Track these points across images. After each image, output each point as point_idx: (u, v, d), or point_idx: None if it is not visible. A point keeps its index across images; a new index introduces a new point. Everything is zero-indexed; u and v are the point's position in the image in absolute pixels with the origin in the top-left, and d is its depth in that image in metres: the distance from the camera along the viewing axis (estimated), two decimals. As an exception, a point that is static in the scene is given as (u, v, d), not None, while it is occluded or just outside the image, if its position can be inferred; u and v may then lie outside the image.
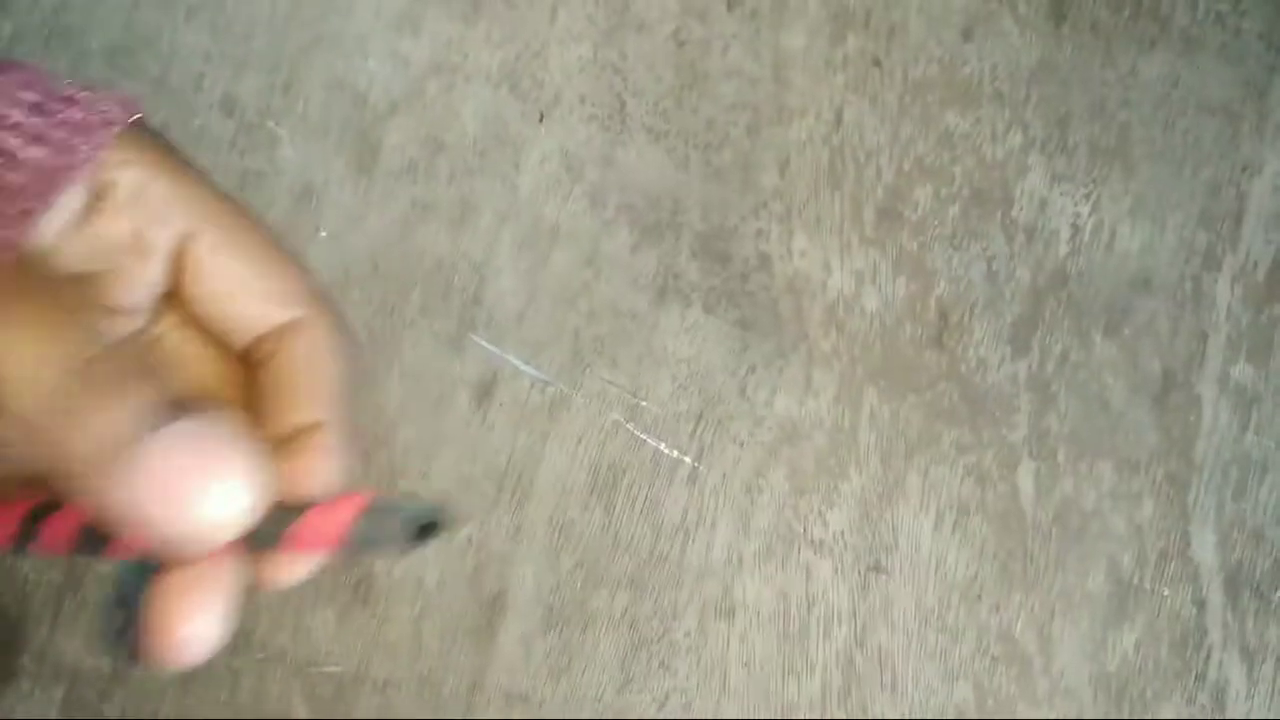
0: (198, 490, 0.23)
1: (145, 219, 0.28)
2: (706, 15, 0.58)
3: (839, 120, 0.58)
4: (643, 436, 0.54)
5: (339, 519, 0.26)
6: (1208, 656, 0.53)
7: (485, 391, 0.54)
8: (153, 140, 0.29)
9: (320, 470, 0.28)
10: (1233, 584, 0.54)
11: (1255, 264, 0.57)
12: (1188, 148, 0.58)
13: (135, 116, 0.29)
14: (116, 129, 0.28)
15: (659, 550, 0.53)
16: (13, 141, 0.27)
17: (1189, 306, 0.56)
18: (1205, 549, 0.54)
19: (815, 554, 0.53)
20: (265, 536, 0.25)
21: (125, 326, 0.31)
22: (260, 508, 0.24)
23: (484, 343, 0.54)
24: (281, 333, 0.29)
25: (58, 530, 0.26)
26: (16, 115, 0.27)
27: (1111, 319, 0.56)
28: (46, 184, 0.27)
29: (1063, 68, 0.59)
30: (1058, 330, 0.56)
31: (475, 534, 0.53)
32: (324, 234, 0.56)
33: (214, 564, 0.25)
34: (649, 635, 0.52)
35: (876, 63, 0.58)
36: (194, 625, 0.24)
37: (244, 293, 0.29)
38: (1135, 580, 0.53)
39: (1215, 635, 0.53)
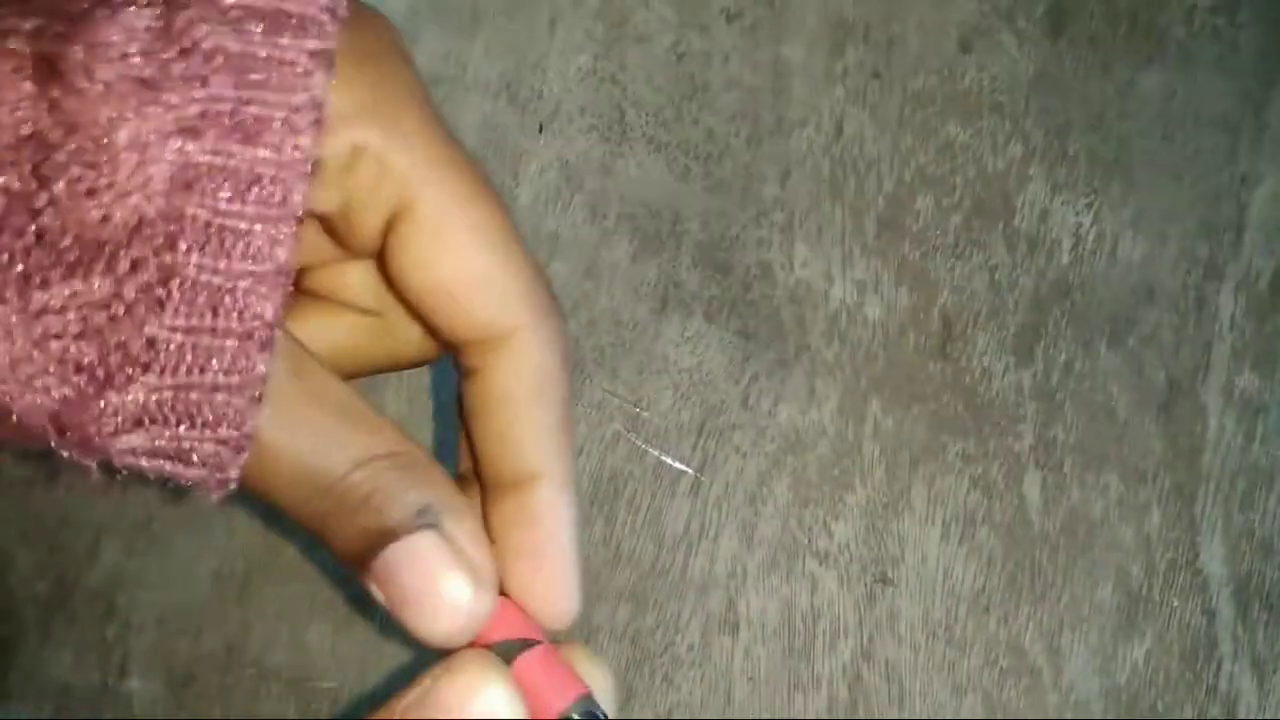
0: (431, 603, 0.23)
1: (357, 195, 0.24)
2: (706, 27, 0.58)
3: (839, 131, 0.58)
4: (644, 447, 0.53)
5: (556, 700, 0.25)
6: (1218, 668, 0.52)
7: (484, 402, 0.53)
8: (371, 49, 0.24)
9: (552, 548, 0.26)
10: (1242, 595, 0.53)
11: (1258, 274, 0.57)
12: (1187, 159, 0.58)
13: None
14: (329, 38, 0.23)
15: (661, 562, 0.52)
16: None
17: (1192, 317, 0.56)
18: (1214, 560, 0.53)
19: (820, 565, 0.52)
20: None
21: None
22: (487, 615, 0.24)
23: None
24: (500, 344, 0.25)
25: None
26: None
27: (1115, 329, 0.56)
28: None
29: (1062, 80, 0.59)
30: (1061, 340, 0.55)
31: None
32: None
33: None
34: (651, 649, 0.51)
35: (876, 75, 0.58)
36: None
37: (461, 288, 0.25)
38: (1144, 591, 0.53)
39: (1226, 646, 0.52)
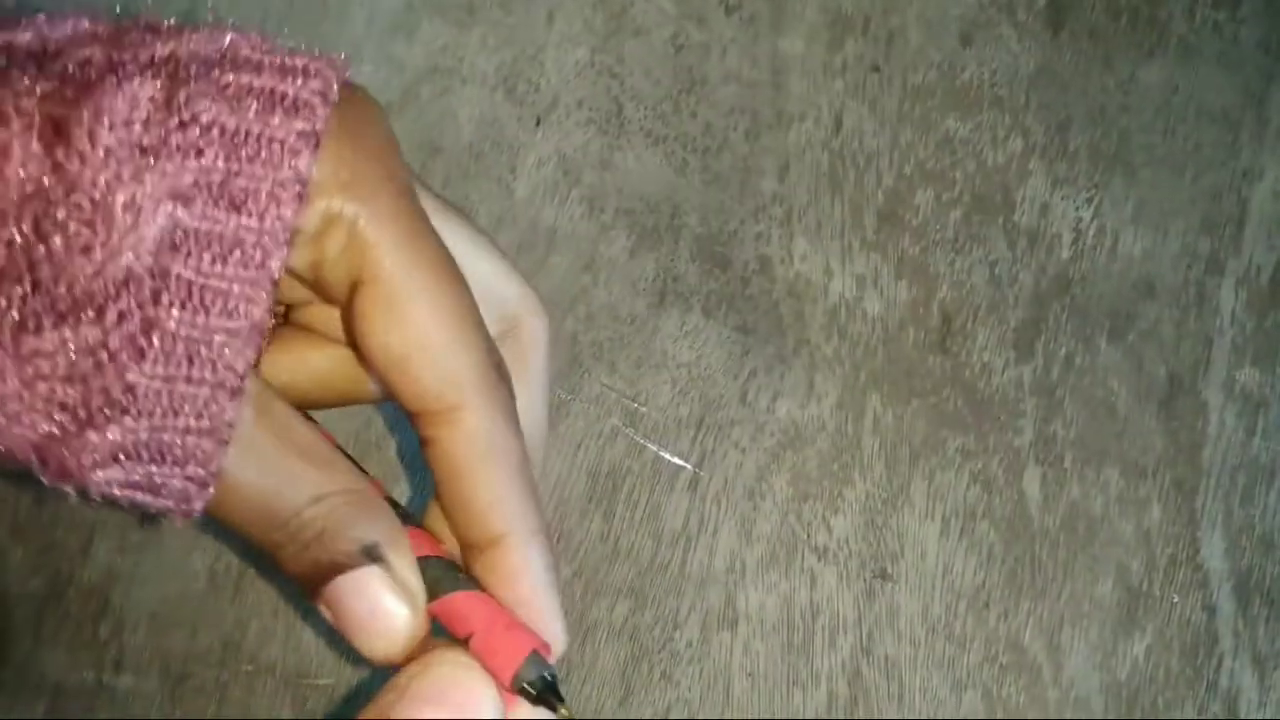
0: (373, 628, 0.26)
1: (326, 258, 0.27)
2: (704, 20, 0.58)
3: (838, 125, 0.57)
4: (642, 442, 0.53)
5: (509, 659, 0.27)
6: (1219, 664, 0.52)
7: (482, 397, 0.53)
8: (350, 134, 0.26)
9: (528, 593, 0.28)
10: (1243, 590, 0.53)
11: (1258, 269, 0.56)
12: (1188, 154, 0.58)
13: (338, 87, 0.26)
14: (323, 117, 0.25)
15: (660, 558, 0.52)
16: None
17: (1193, 312, 0.56)
18: (1214, 555, 0.53)
19: (819, 561, 0.52)
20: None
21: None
22: (421, 635, 0.27)
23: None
24: (448, 417, 0.28)
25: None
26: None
27: (1115, 324, 0.55)
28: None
29: (1062, 74, 0.59)
30: (1062, 335, 0.55)
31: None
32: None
33: None
34: (650, 645, 0.51)
35: (876, 68, 0.58)
36: None
37: (411, 359, 0.27)
38: (1144, 587, 0.52)
39: (1226, 642, 0.52)
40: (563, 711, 0.28)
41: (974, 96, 0.58)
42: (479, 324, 0.28)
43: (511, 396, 0.29)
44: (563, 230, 0.55)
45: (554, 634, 0.29)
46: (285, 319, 0.32)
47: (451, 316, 0.27)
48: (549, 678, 0.27)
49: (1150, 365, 0.55)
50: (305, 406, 0.30)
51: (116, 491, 0.24)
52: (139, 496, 0.24)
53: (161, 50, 0.24)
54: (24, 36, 0.24)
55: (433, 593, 0.27)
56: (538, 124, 0.56)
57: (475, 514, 0.28)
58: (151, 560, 0.50)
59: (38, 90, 0.23)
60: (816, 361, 0.54)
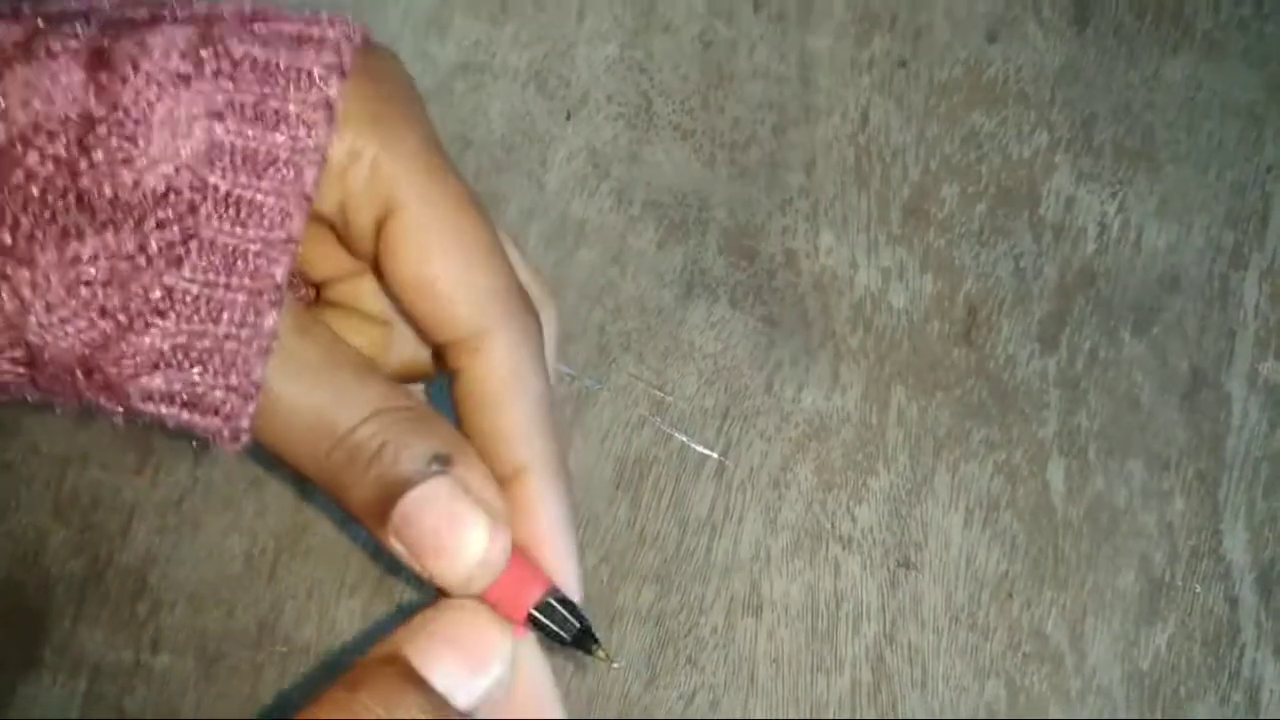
0: (451, 545, 0.25)
1: (352, 194, 0.27)
2: (733, 16, 0.59)
3: (865, 120, 0.58)
4: (669, 431, 0.53)
5: (524, 597, 0.27)
6: (1241, 654, 0.52)
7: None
8: (371, 80, 0.27)
9: (545, 529, 0.28)
10: (1265, 582, 0.53)
11: (1282, 264, 0.57)
12: (1212, 149, 0.58)
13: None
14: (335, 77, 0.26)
15: (686, 545, 0.52)
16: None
17: (1217, 305, 0.56)
18: (1237, 546, 0.53)
19: (844, 550, 0.52)
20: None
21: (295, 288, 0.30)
22: (506, 555, 0.26)
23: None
24: (475, 346, 0.28)
25: None
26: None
27: (1139, 317, 0.56)
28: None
29: (1087, 70, 0.59)
30: (1086, 327, 0.56)
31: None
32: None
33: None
34: (676, 631, 0.51)
35: (902, 64, 0.59)
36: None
37: (438, 289, 0.27)
38: (1167, 578, 0.53)
39: (1249, 633, 0.52)
40: (599, 654, 0.27)
41: (999, 92, 0.58)
42: (503, 254, 0.28)
43: (538, 328, 0.29)
44: (592, 223, 0.56)
45: (568, 572, 0.28)
46: (317, 298, 0.33)
47: (476, 244, 0.28)
48: (567, 616, 0.27)
49: (1174, 358, 0.55)
50: None
51: (161, 408, 0.24)
52: (183, 414, 0.24)
53: (199, 9, 0.26)
54: (73, 4, 0.25)
55: None
56: (568, 118, 0.57)
57: (498, 443, 0.28)
58: (189, 542, 0.51)
59: (84, 33, 0.24)
60: (842, 353, 0.55)
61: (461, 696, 0.25)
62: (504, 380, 0.28)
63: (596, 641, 0.27)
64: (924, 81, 0.58)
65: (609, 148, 0.57)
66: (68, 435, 0.52)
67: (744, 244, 0.56)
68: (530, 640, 0.28)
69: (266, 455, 0.26)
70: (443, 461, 0.25)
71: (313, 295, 0.33)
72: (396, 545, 0.26)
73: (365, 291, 0.31)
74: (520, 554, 0.27)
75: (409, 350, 0.31)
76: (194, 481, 0.51)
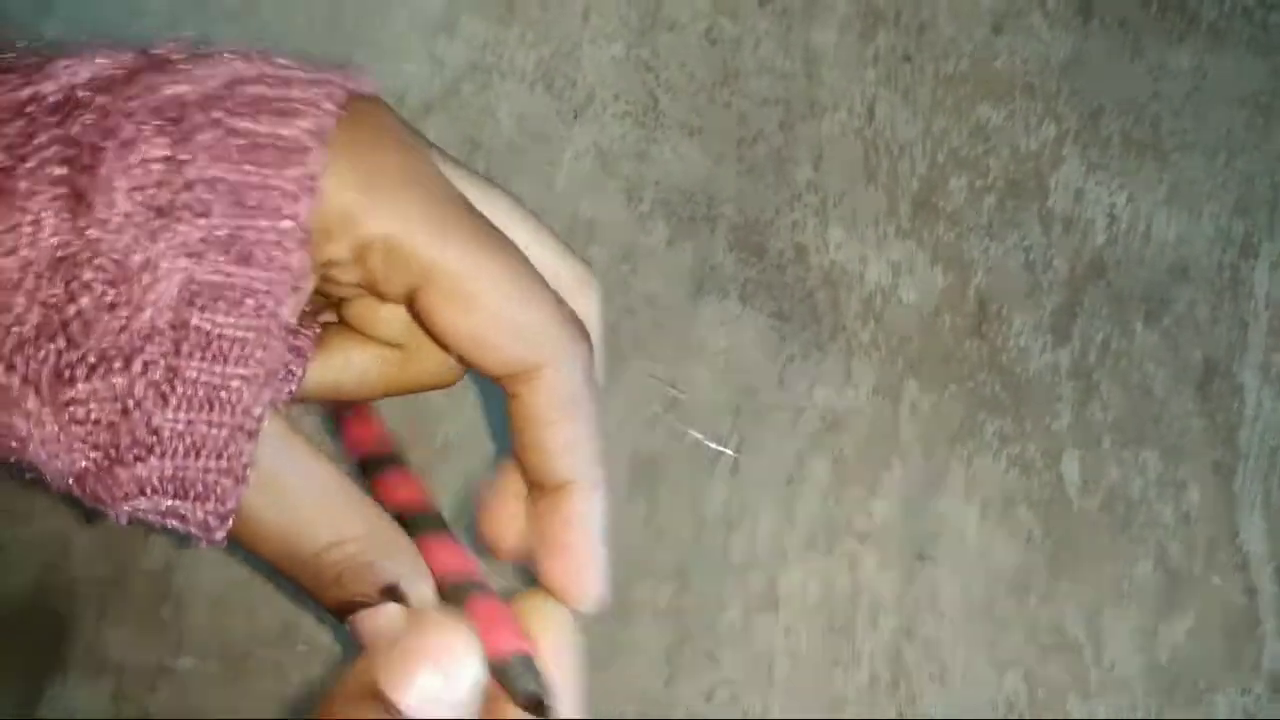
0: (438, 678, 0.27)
1: (375, 277, 0.28)
2: (738, 13, 0.59)
3: (871, 114, 0.58)
4: (683, 428, 0.54)
5: (502, 644, 0.28)
6: (1261, 645, 0.52)
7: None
8: (367, 146, 0.28)
9: (584, 544, 0.30)
10: (1283, 570, 0.53)
11: (1293, 252, 0.57)
12: (1220, 139, 0.58)
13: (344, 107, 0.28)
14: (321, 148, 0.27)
15: (702, 542, 0.52)
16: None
17: (1228, 295, 0.56)
18: (1254, 537, 0.53)
19: (860, 544, 0.52)
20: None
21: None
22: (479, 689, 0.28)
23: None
24: (529, 376, 0.29)
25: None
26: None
27: (1151, 307, 0.56)
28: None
29: (1093, 61, 0.59)
30: (1098, 319, 0.56)
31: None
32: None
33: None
34: (693, 628, 0.51)
35: (907, 58, 0.59)
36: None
37: (481, 342, 0.28)
38: (1184, 569, 0.53)
39: (1269, 624, 0.52)
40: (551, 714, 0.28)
41: (1006, 84, 0.59)
42: (542, 284, 0.29)
43: (589, 346, 0.30)
44: (602, 221, 0.56)
45: (594, 584, 0.30)
46: (336, 316, 0.33)
47: (514, 287, 0.28)
48: (534, 681, 0.28)
49: (1186, 348, 0.55)
50: (356, 399, 0.32)
51: (148, 518, 0.26)
52: (168, 523, 0.27)
53: (169, 92, 0.26)
54: (49, 88, 0.26)
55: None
56: (575, 118, 0.57)
57: (548, 458, 0.30)
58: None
59: (62, 155, 0.25)
60: (853, 348, 0.55)
61: (443, 709, 0.27)
62: (556, 406, 0.29)
63: (544, 704, 0.29)
64: (930, 75, 0.59)
65: (617, 146, 0.57)
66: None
67: (753, 240, 0.56)
68: (563, 610, 0.30)
69: None
70: (393, 592, 0.27)
71: (318, 331, 0.33)
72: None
73: (381, 317, 0.32)
74: (500, 608, 0.29)
75: (431, 363, 0.32)
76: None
